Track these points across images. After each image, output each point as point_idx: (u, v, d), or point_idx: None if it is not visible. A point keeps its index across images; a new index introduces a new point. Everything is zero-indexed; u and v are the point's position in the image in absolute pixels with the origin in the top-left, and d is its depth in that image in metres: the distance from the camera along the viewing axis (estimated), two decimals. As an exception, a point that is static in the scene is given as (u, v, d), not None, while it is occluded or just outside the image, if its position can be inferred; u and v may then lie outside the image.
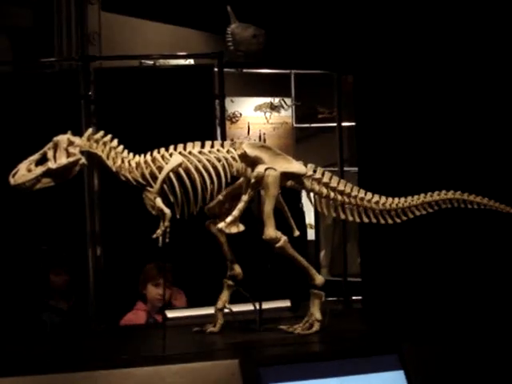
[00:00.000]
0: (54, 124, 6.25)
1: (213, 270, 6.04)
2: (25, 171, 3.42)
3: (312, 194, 3.97)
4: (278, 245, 3.71)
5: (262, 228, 3.71)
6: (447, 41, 6.39)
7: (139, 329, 4.85)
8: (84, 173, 6.45)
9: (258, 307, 3.91)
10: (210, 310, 4.08)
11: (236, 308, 3.92)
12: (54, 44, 8.02)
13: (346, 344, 3.60)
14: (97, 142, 3.57)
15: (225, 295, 3.89)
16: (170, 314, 4.48)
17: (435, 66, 6.48)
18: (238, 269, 3.92)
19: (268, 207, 3.71)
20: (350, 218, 4.01)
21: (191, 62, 8.19)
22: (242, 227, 3.75)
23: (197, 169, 3.70)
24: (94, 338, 4.18)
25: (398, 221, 4.04)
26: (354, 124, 8.00)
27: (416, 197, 4.07)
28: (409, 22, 6.57)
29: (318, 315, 3.76)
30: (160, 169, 3.65)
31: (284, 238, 3.73)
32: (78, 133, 3.59)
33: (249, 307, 3.95)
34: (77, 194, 6.61)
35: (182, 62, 8.11)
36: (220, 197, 3.83)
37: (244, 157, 3.77)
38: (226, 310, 3.88)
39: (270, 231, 3.71)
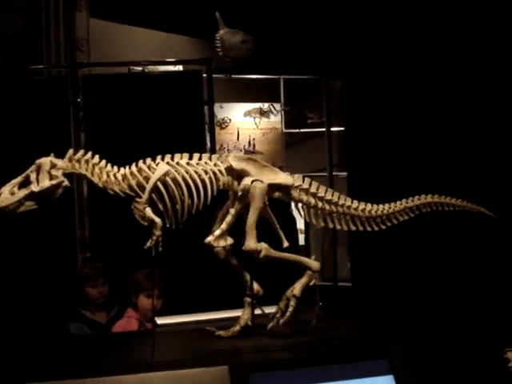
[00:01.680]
0: (42, 131, 6.26)
1: (203, 277, 6.07)
2: (8, 194, 3.43)
3: (300, 205, 3.97)
4: (260, 255, 3.71)
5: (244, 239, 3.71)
6: (435, 45, 6.42)
7: (128, 336, 4.82)
8: (73, 180, 6.44)
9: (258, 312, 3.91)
10: (201, 317, 4.07)
11: (227, 314, 3.91)
12: (42, 51, 8.00)
13: (335, 349, 3.59)
14: (79, 161, 3.60)
15: (246, 313, 3.88)
16: (160, 320, 4.47)
17: (423, 71, 6.51)
18: (256, 286, 3.93)
19: (251, 219, 3.72)
20: (338, 227, 4.03)
21: (180, 68, 8.20)
22: (230, 240, 3.76)
23: (184, 179, 3.70)
24: (82, 345, 4.16)
25: (383, 227, 4.07)
26: (343, 129, 8.03)
27: (398, 202, 4.10)
28: (396, 27, 6.59)
29: (297, 292, 3.75)
30: (147, 179, 3.65)
31: (264, 246, 3.72)
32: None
33: (238, 313, 3.95)
34: (66, 200, 6.59)
35: (170, 68, 8.11)
36: (218, 219, 3.83)
37: (230, 170, 3.78)
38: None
39: (251, 243, 3.70)
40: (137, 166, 3.69)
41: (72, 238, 6.75)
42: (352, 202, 4.01)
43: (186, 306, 5.50)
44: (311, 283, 3.82)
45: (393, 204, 4.09)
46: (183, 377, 3.04)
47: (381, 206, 4.06)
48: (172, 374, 3.05)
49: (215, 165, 3.79)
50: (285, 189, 3.88)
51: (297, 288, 3.77)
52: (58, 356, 3.73)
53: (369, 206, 4.04)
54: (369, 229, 4.05)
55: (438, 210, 4.14)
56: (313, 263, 3.84)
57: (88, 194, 6.78)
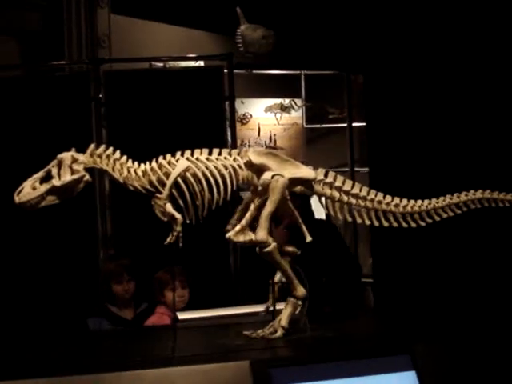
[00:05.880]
0: (64, 127, 6.29)
1: (225, 271, 6.08)
2: (29, 189, 3.44)
3: (324, 199, 3.94)
4: (266, 249, 3.65)
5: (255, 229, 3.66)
6: (457, 40, 6.37)
7: (149, 330, 4.84)
8: (95, 176, 6.46)
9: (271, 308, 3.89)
10: (223, 312, 4.07)
11: (250, 309, 3.90)
12: (63, 47, 8.03)
13: (357, 345, 3.58)
14: (100, 156, 3.61)
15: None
16: (182, 315, 4.48)
17: (446, 65, 6.46)
18: (291, 248, 3.87)
19: (267, 210, 3.67)
20: (367, 222, 3.96)
21: (201, 63, 8.19)
22: (250, 235, 3.70)
23: (204, 175, 3.69)
24: (103, 340, 4.18)
25: (423, 224, 3.98)
26: (364, 124, 8.00)
27: (441, 198, 4.03)
28: (419, 21, 6.55)
29: (285, 323, 3.67)
30: (167, 175, 3.65)
31: (273, 244, 3.66)
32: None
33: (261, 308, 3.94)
34: (88, 196, 6.62)
35: (191, 63, 8.10)
36: (237, 213, 3.80)
37: (250, 165, 3.76)
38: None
39: (262, 234, 3.64)
40: (157, 161, 3.69)
41: (94, 234, 6.78)
42: (384, 197, 3.95)
43: (211, 300, 5.53)
44: (297, 311, 3.73)
45: (434, 200, 4.01)
46: (204, 372, 3.04)
47: (419, 202, 3.99)
48: (193, 369, 3.05)
49: (234, 160, 3.77)
50: (307, 183, 3.85)
51: (283, 318, 3.68)
52: (79, 350, 3.74)
53: (404, 202, 3.97)
54: (405, 225, 3.97)
55: (490, 206, 4.04)
56: (300, 289, 3.73)
57: (110, 191, 6.81)
